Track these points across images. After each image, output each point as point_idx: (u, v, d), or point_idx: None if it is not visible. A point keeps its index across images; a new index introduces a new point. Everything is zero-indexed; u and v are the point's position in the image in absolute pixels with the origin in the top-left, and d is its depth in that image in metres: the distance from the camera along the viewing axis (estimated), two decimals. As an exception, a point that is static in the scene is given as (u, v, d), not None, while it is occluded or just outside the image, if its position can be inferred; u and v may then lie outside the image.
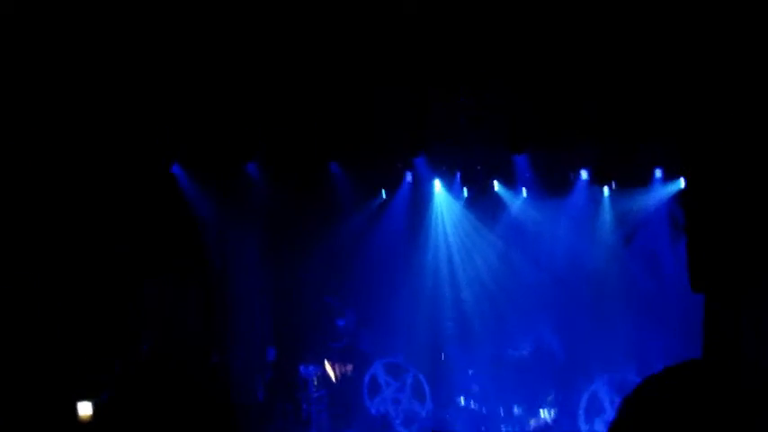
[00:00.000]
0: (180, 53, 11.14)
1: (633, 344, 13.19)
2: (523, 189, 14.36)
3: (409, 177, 14.68)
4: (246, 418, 13.22)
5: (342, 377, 15.23)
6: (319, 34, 10.72)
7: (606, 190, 13.77)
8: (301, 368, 14.48)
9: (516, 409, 13.08)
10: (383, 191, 15.08)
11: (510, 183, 14.31)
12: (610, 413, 12.52)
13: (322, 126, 12.58)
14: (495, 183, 14.44)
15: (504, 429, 13.42)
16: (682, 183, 12.51)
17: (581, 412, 12.67)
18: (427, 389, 13.80)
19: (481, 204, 14.92)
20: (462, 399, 13.67)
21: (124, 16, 10.46)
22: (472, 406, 13.36)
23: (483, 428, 13.60)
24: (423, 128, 12.65)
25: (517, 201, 14.48)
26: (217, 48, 11.07)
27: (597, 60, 10.22)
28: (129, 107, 11.90)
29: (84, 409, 12.15)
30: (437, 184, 14.83)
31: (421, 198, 15.05)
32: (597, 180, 13.59)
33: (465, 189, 14.92)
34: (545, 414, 12.98)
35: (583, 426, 12.56)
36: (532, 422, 12.97)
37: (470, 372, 14.42)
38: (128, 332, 13.04)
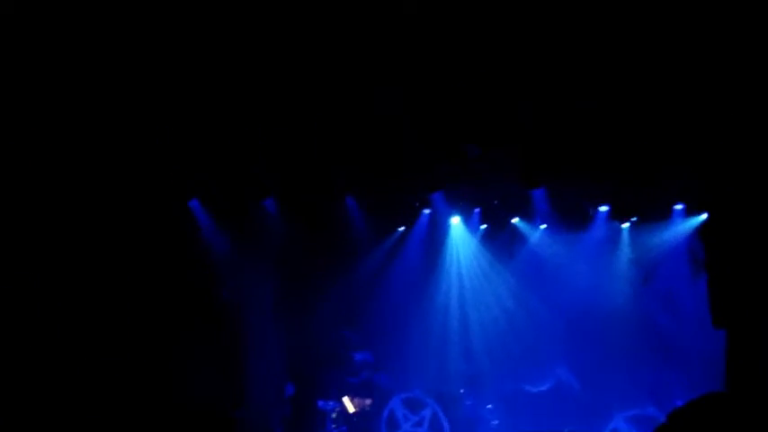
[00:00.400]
0: (202, 91, 11.25)
1: (652, 381, 13.13)
2: (542, 224, 14.40)
3: (427, 212, 14.74)
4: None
5: (360, 412, 15.18)
6: (339, 70, 10.81)
7: (626, 225, 13.77)
8: (320, 403, 14.46)
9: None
10: (401, 226, 15.17)
11: (528, 217, 14.34)
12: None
13: (339, 161, 12.63)
14: (514, 218, 14.48)
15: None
16: (702, 217, 12.52)
17: (602, 448, 12.61)
18: (446, 424, 13.73)
19: (499, 239, 14.95)
20: (482, 434, 13.62)
21: (148, 55, 10.59)
22: (492, 441, 13.30)
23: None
24: (441, 163, 12.69)
25: (535, 235, 14.50)
26: (237, 85, 11.16)
27: (618, 95, 10.25)
28: (150, 143, 12.01)
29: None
30: (454, 220, 14.89)
31: (438, 233, 15.10)
32: (616, 215, 13.58)
33: (483, 224, 14.97)
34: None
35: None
36: None
37: (489, 406, 14.37)
38: (141, 370, 13.05)
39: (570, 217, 13.66)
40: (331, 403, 14.50)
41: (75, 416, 11.89)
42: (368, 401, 15.30)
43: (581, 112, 10.62)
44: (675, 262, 13.44)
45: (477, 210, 14.66)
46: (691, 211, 12.99)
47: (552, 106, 10.63)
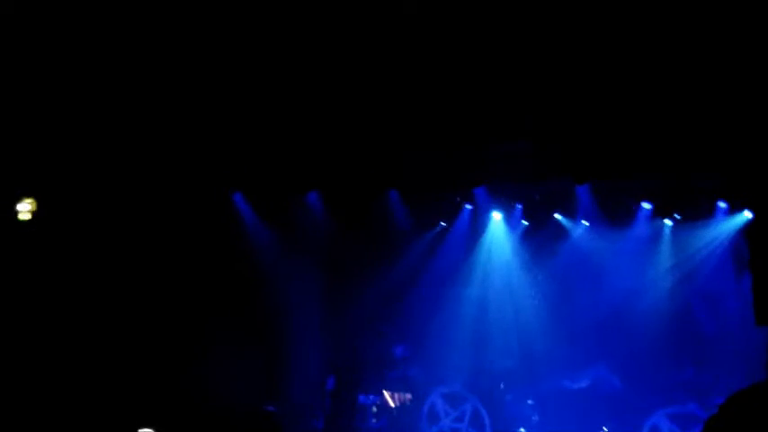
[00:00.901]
0: (244, 83, 11.33)
1: (693, 379, 13.04)
2: (584, 221, 14.37)
3: (469, 208, 14.76)
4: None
5: (401, 406, 15.24)
6: (383, 62, 10.84)
7: (668, 222, 13.70)
8: (361, 397, 14.52)
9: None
10: (442, 221, 15.21)
11: (571, 214, 14.32)
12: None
13: (382, 155, 12.65)
14: (556, 214, 14.46)
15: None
16: (746, 215, 12.42)
17: (642, 444, 12.55)
18: (487, 419, 13.73)
19: (541, 236, 14.93)
20: (522, 429, 13.59)
21: (190, 48, 10.69)
22: (532, 436, 13.28)
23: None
24: (484, 159, 12.66)
25: (577, 232, 14.47)
26: (280, 78, 11.22)
27: (660, 91, 10.21)
28: (195, 134, 12.10)
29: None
30: (496, 216, 14.89)
31: (479, 229, 15.12)
32: (659, 212, 13.51)
33: (524, 220, 14.97)
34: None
35: (643, 457, 12.44)
36: None
37: (530, 402, 14.37)
38: (187, 364, 13.20)
39: (613, 214, 13.60)
40: (371, 397, 14.56)
41: (110, 406, 12.05)
42: (408, 396, 15.35)
43: (627, 107, 10.57)
44: (718, 260, 13.34)
45: (518, 205, 14.65)
46: (734, 209, 12.87)
47: (598, 100, 10.59)
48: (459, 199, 14.61)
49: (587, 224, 14.38)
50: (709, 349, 13.01)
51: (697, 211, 13.27)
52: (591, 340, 14.16)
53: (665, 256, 13.90)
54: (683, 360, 13.07)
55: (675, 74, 10.11)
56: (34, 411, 11.61)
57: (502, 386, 14.55)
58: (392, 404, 15.24)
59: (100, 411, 11.97)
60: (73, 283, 12.27)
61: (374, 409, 14.43)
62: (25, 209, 12.06)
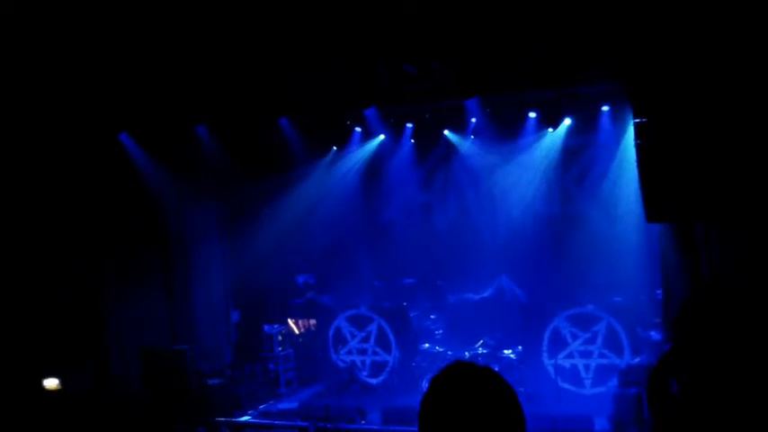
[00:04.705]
0: (122, 17, 10.93)
1: (590, 280, 13.38)
2: (472, 136, 14.52)
3: (358, 130, 14.73)
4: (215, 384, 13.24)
5: (306, 333, 15.37)
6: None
7: (554, 130, 13.93)
8: (266, 328, 14.58)
9: (481, 350, 13.24)
10: (334, 145, 15.17)
11: (461, 130, 14.43)
12: (572, 346, 12.81)
13: (270, 82, 12.40)
14: (446, 131, 14.57)
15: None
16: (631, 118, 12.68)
17: (544, 348, 12.92)
18: (392, 338, 13.96)
19: (433, 153, 15.07)
20: (427, 344, 13.84)
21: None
22: (437, 349, 13.51)
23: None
24: (373, 81, 12.55)
25: (468, 146, 14.62)
26: (161, 15, 10.86)
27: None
28: (73, 76, 11.67)
29: (51, 383, 12.18)
30: (381, 137, 14.90)
31: (370, 151, 15.15)
32: (545, 121, 13.70)
33: (414, 139, 15.06)
34: (509, 353, 13.16)
35: (547, 360, 12.82)
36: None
37: (433, 317, 14.65)
38: (88, 310, 12.97)
39: (503, 126, 13.73)
40: (276, 326, 14.63)
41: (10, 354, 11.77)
42: (312, 322, 15.49)
43: (509, 22, 10.58)
44: (606, 164, 13.65)
45: (409, 125, 14.69)
46: (617, 112, 13.09)
47: (481, 17, 10.57)
48: (349, 122, 14.56)
49: (474, 138, 14.53)
50: (603, 250, 13.37)
51: (581, 117, 13.47)
52: (490, 251, 14.45)
53: (554, 162, 14.16)
54: (580, 263, 13.40)
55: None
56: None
57: (405, 304, 14.77)
58: (297, 332, 15.36)
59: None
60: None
61: (279, 337, 14.51)
62: None
